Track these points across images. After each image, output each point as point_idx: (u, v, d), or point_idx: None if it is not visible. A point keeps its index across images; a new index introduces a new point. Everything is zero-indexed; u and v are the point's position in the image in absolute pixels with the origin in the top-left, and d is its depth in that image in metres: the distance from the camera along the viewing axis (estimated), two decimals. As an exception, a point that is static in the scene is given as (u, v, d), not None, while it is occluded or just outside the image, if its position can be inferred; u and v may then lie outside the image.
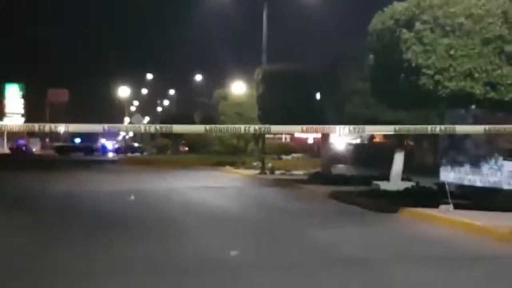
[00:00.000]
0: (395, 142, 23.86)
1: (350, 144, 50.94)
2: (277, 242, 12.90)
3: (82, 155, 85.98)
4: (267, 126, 10.54)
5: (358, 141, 50.98)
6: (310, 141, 61.51)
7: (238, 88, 47.08)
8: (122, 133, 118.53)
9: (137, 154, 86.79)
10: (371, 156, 41.30)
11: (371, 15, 17.88)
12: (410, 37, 15.80)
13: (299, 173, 34.28)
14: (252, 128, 9.79)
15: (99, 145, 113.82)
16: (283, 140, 63.05)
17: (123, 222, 15.70)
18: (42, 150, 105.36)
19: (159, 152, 73.46)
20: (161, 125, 10.70)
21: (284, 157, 48.45)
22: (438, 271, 10.01)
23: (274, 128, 12.28)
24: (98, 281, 9.09)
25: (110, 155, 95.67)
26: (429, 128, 9.97)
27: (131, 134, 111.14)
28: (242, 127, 9.94)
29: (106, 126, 9.05)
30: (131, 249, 11.76)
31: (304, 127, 9.70)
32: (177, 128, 10.14)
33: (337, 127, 10.29)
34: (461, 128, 12.58)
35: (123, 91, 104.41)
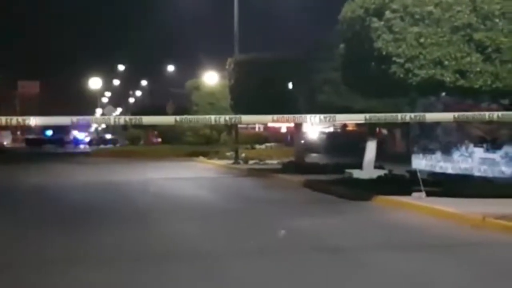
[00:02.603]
0: (368, 130, 23.95)
1: (323, 132, 51.11)
2: (252, 230, 12.96)
3: (53, 148, 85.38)
4: (237, 116, 10.54)
5: (331, 129, 51.15)
6: (284, 130, 61.57)
7: (211, 78, 47.01)
8: (94, 125, 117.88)
9: (110, 146, 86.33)
10: (344, 145, 41.49)
11: (343, 3, 17.90)
12: (380, 25, 15.86)
13: (272, 162, 34.32)
14: (223, 118, 9.77)
15: (71, 137, 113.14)
16: (256, 129, 63.07)
17: (97, 213, 15.66)
18: (14, 143, 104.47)
19: (132, 143, 73.10)
20: (131, 116, 10.67)
21: (257, 146, 48.40)
22: (411, 258, 10.08)
23: (245, 118, 12.34)
24: (73, 271, 9.06)
25: (82, 147, 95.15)
26: (399, 116, 10.02)
27: (103, 125, 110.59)
28: (212, 118, 9.94)
29: (75, 118, 8.99)
30: (106, 239, 11.77)
31: (275, 117, 9.70)
32: (147, 119, 10.10)
33: (308, 116, 10.31)
34: (431, 116, 12.66)
35: (95, 83, 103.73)
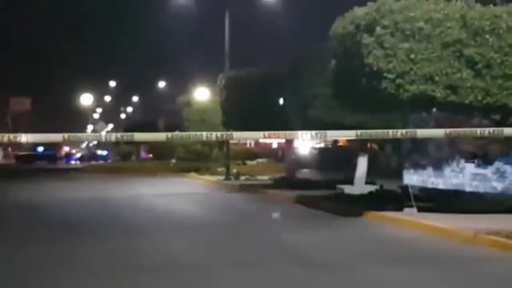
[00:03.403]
0: (359, 146, 23.95)
1: (315, 148, 51.06)
2: (244, 245, 12.95)
3: (45, 164, 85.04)
4: (229, 133, 10.52)
5: (322, 145, 51.13)
6: (275, 146, 61.54)
7: (202, 94, 47.00)
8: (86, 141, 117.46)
9: (101, 162, 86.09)
10: (335, 160, 41.40)
11: (333, 19, 17.95)
12: (371, 41, 15.90)
13: (264, 178, 34.26)
14: (214, 135, 9.76)
15: (62, 153, 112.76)
16: (248, 145, 63.03)
17: (87, 228, 15.63)
18: (5, 159, 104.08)
19: (123, 159, 72.95)
20: (122, 133, 10.64)
21: (248, 162, 48.36)
22: (402, 273, 10.07)
23: (236, 134, 12.32)
24: (62, 283, 9.05)
25: (74, 163, 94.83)
26: (390, 132, 10.02)
27: (95, 141, 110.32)
28: (204, 134, 9.92)
29: (66, 135, 8.96)
30: (95, 253, 11.75)
31: (267, 133, 9.70)
32: (139, 136, 10.07)
33: (299, 132, 10.31)
34: (422, 132, 12.66)
35: (86, 99, 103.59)
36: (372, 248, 12.69)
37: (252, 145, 63.02)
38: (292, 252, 12.14)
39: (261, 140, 56.16)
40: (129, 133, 9.77)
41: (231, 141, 39.29)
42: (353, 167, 23.20)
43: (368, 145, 27.39)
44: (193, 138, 11.34)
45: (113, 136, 10.00)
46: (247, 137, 32.41)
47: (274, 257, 11.61)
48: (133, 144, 64.63)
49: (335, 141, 48.89)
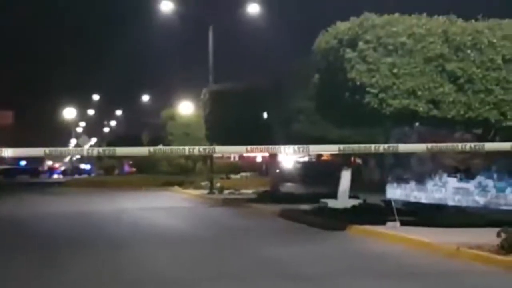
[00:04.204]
0: (342, 159, 24.00)
1: (298, 162, 51.10)
2: (227, 260, 12.92)
3: (27, 178, 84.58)
4: (211, 147, 10.53)
5: (306, 159, 51.18)
6: (259, 159, 61.55)
7: (186, 108, 46.99)
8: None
9: (85, 176, 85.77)
10: (319, 174, 41.47)
11: (317, 34, 18.01)
12: (354, 56, 15.95)
13: (248, 192, 34.23)
14: (197, 149, 9.76)
15: (45, 167, 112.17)
16: (232, 159, 63.00)
17: (70, 243, 15.56)
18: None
19: (107, 173, 72.71)
20: (104, 148, 10.63)
21: (232, 176, 48.34)
22: (385, 287, 10.07)
23: (219, 149, 12.35)
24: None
25: (56, 177, 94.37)
26: (373, 147, 10.05)
27: (77, 155, 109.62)
28: (186, 149, 9.91)
29: (47, 150, 8.93)
30: (77, 267, 11.71)
31: (249, 147, 9.71)
32: (121, 151, 10.05)
33: (282, 147, 10.32)
34: (404, 147, 12.73)
35: (69, 113, 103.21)
36: (355, 262, 12.70)
37: (236, 159, 62.99)
38: (276, 266, 12.13)
39: (245, 154, 56.16)
40: (111, 148, 9.75)
41: (215, 155, 39.26)
42: (337, 181, 23.24)
43: (352, 159, 27.44)
44: (175, 152, 11.33)
45: (95, 151, 9.98)
46: (230, 151, 32.46)
47: (258, 271, 11.61)
48: (116, 158, 64.39)
49: (319, 155, 48.95)
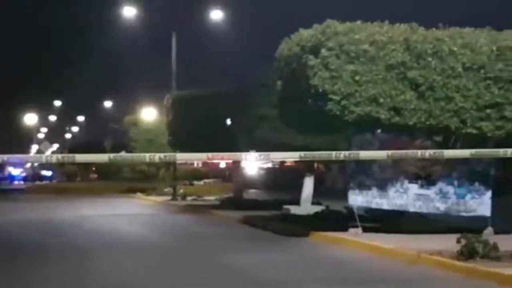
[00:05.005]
0: (305, 166, 24.06)
1: (262, 168, 51.17)
2: (190, 267, 12.86)
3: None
4: (172, 154, 10.48)
5: (269, 165, 51.26)
6: (223, 166, 61.45)
7: (149, 114, 46.80)
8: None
9: (46, 182, 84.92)
10: (282, 180, 41.58)
11: (281, 40, 18.03)
12: (316, 63, 15.99)
13: (211, 198, 34.17)
14: (157, 156, 9.70)
15: (5, 173, 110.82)
16: (195, 165, 62.82)
17: (29, 251, 15.34)
18: None
19: (69, 179, 72.08)
20: (64, 155, 10.53)
21: (196, 182, 48.23)
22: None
23: (180, 156, 12.29)
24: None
25: (17, 183, 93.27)
26: (334, 154, 10.07)
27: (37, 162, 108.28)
28: (147, 156, 9.84)
29: (5, 157, 8.81)
30: (36, 276, 11.55)
31: (210, 154, 9.67)
32: (80, 157, 9.96)
33: (243, 154, 10.31)
34: (365, 154, 12.78)
35: (30, 118, 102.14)
36: (317, 268, 12.73)
37: (200, 165, 62.82)
38: (239, 273, 12.11)
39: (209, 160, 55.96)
40: (70, 155, 9.66)
41: (178, 161, 39.12)
42: (300, 187, 23.29)
43: (315, 165, 27.53)
44: (136, 159, 11.25)
45: (54, 158, 9.86)
46: (191, 159, 32.38)
47: (222, 278, 11.58)
48: (79, 164, 63.84)
49: (282, 162, 49.03)
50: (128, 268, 12.83)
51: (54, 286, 10.89)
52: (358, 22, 16.38)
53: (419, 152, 11.15)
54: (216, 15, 38.41)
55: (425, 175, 16.53)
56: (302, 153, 10.03)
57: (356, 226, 16.74)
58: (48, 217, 25.64)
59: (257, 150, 10.30)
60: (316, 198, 23.77)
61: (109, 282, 11.12)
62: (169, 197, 36.27)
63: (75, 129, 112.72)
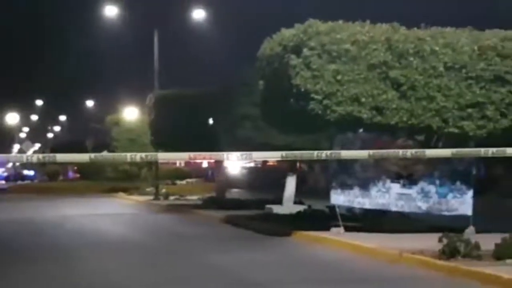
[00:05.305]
0: (288, 166, 24.07)
1: (244, 168, 51.18)
2: (172, 267, 12.82)
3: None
4: (153, 154, 10.44)
5: (252, 164, 51.26)
6: (205, 165, 61.37)
7: (131, 113, 46.67)
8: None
9: (28, 182, 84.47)
10: (265, 180, 41.60)
11: (263, 40, 18.01)
12: (298, 63, 15.98)
13: (193, 198, 34.12)
14: (139, 156, 9.66)
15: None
16: (178, 165, 62.72)
17: (9, 251, 15.25)
18: None
19: (50, 179, 71.73)
20: (44, 154, 10.47)
21: (178, 182, 48.16)
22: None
23: (161, 155, 12.26)
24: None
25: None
26: (315, 153, 10.06)
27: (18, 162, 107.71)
28: (128, 156, 9.80)
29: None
30: (17, 278, 11.43)
31: (192, 154, 9.64)
32: (61, 157, 9.90)
33: (225, 153, 10.30)
34: (346, 153, 12.79)
35: (12, 118, 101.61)
36: (299, 268, 12.72)
37: (182, 164, 62.72)
38: (222, 273, 12.09)
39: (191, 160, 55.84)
40: (51, 154, 9.60)
41: (160, 161, 39.05)
42: (282, 187, 23.29)
43: (297, 165, 27.56)
44: (117, 158, 11.21)
45: (35, 157, 9.80)
46: (173, 158, 32.29)
47: (204, 278, 11.55)
48: (61, 164, 63.58)
49: (265, 161, 49.04)
50: (110, 267, 12.77)
51: (37, 285, 10.81)
52: (340, 22, 16.40)
53: (400, 152, 11.18)
54: (199, 14, 38.33)
55: (407, 175, 16.57)
56: (284, 153, 10.03)
57: (338, 226, 16.75)
58: (28, 217, 25.48)
59: (240, 150, 10.30)
60: (299, 197, 23.79)
61: (91, 282, 11.07)
62: (151, 197, 36.20)
63: (57, 128, 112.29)
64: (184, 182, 49.08)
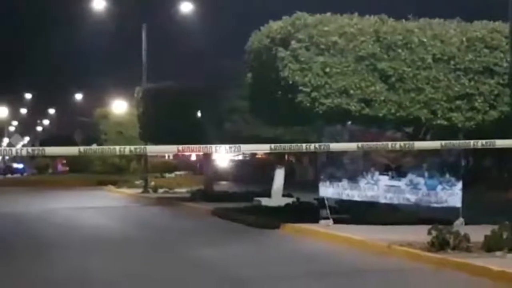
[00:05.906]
0: (276, 158, 24.06)
1: (233, 160, 51.16)
2: (160, 260, 12.77)
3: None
4: (142, 147, 10.41)
5: (240, 157, 51.25)
6: (194, 158, 61.29)
7: (119, 107, 46.56)
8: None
9: (17, 175, 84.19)
10: (253, 172, 41.60)
11: (251, 32, 17.97)
12: (286, 55, 15.96)
13: (182, 191, 34.04)
14: (128, 149, 9.63)
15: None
16: (166, 158, 62.60)
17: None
18: None
19: (40, 172, 71.48)
20: (33, 148, 10.43)
21: (167, 175, 48.02)
22: (314, 285, 10.11)
23: (150, 148, 12.23)
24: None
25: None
26: (304, 146, 10.06)
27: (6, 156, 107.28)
28: (117, 148, 9.76)
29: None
30: (6, 271, 11.39)
31: (181, 147, 9.61)
32: (50, 150, 9.85)
33: (214, 146, 10.28)
34: (335, 146, 12.79)
35: (1, 112, 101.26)
36: (288, 261, 12.71)
37: (171, 157, 62.62)
38: (210, 266, 12.07)
39: (179, 153, 55.78)
40: (40, 148, 9.54)
41: (149, 154, 38.99)
42: (271, 179, 23.28)
43: (286, 157, 27.57)
44: (106, 152, 11.18)
45: (24, 151, 9.75)
46: (161, 151, 32.29)
47: (191, 272, 11.53)
48: (50, 157, 63.39)
49: (253, 154, 49.04)
50: (95, 261, 12.70)
51: (23, 279, 10.77)
52: (328, 14, 16.39)
53: (390, 144, 11.19)
54: (186, 7, 38.19)
55: (395, 167, 16.59)
56: (273, 145, 10.01)
57: (327, 218, 16.75)
58: (16, 210, 25.33)
59: (227, 143, 10.28)
60: (287, 190, 23.78)
61: (74, 275, 11.02)
62: (140, 190, 36.12)
63: (46, 122, 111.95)
64: (172, 175, 48.92)
